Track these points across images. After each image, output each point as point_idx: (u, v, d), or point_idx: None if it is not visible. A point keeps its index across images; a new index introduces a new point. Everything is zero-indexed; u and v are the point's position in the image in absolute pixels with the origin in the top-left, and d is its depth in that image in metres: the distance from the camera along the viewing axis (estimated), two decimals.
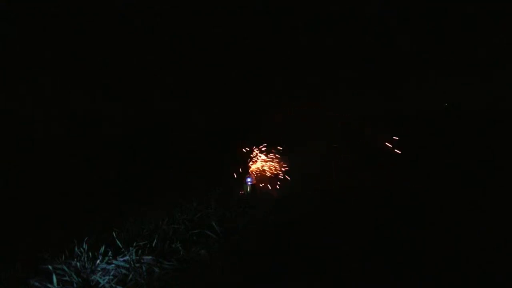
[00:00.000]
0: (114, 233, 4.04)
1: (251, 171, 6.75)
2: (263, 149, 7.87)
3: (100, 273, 3.44)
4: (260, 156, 7.75)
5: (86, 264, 3.50)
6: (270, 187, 6.83)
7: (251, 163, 7.49)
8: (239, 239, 4.28)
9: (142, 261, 3.65)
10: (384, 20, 9.32)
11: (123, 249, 3.80)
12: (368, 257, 3.77)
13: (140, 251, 3.75)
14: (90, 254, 3.63)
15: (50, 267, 3.38)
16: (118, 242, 3.88)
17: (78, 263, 3.50)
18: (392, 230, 4.43)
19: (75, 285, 3.25)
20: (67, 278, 3.31)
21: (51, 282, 3.22)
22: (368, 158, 8.12)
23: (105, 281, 3.30)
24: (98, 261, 3.56)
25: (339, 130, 9.05)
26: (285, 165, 7.61)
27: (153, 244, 3.92)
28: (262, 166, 7.67)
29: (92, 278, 3.35)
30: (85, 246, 3.74)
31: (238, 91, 9.31)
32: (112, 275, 3.40)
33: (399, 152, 7.50)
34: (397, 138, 7.75)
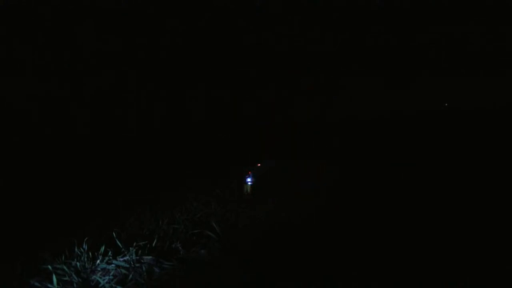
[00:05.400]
0: (114, 233, 4.04)
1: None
2: None
3: (100, 273, 3.45)
4: None
5: (86, 264, 3.51)
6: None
7: None
8: (239, 239, 4.27)
9: (142, 261, 3.66)
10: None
11: (123, 249, 3.80)
12: (368, 259, 3.76)
13: (140, 251, 3.76)
14: (90, 254, 3.64)
15: (50, 267, 3.39)
16: (118, 242, 3.89)
17: (78, 263, 3.51)
18: (389, 229, 4.43)
19: (75, 285, 3.25)
20: (67, 278, 3.32)
21: (51, 282, 3.23)
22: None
23: (105, 281, 3.31)
24: (98, 261, 3.57)
25: None
26: None
27: (153, 244, 3.93)
28: None
29: (92, 278, 3.36)
30: (85, 246, 3.75)
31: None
32: (112, 275, 3.41)
33: None
34: None
